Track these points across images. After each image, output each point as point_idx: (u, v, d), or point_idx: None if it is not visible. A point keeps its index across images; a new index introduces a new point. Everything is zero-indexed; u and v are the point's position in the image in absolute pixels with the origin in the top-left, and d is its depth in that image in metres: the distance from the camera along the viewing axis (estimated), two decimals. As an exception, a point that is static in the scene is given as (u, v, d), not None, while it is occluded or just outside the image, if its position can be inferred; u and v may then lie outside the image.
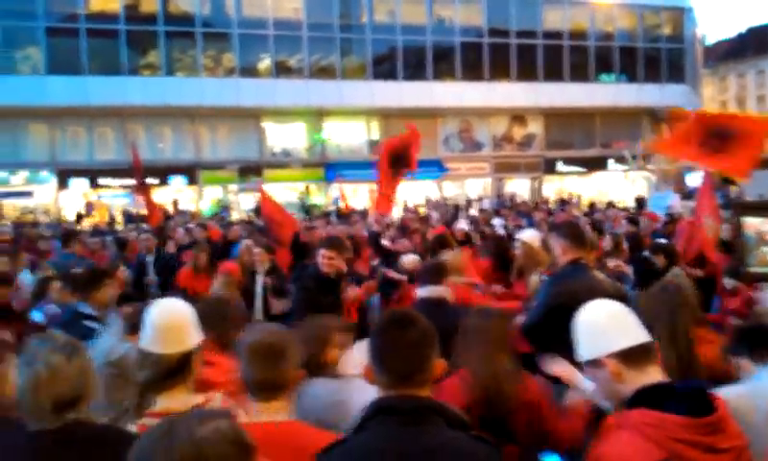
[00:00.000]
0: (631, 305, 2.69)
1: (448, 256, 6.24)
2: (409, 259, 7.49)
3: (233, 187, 30.22)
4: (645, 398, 2.09)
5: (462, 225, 10.96)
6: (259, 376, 2.45)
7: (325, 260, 5.61)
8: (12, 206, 26.73)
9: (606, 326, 2.25)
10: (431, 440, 2.03)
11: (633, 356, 2.18)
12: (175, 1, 28.39)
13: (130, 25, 27.07)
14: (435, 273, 4.66)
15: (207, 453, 1.44)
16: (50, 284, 6.28)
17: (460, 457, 2.05)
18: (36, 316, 5.48)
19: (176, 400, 2.51)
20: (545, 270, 4.94)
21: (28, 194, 27.56)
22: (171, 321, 2.57)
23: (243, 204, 28.92)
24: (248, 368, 2.46)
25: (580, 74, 33.46)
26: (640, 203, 18.39)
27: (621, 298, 4.50)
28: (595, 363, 2.25)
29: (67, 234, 9.90)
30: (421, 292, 4.59)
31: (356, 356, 3.20)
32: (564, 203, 24.90)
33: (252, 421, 2.38)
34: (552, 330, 4.48)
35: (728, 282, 6.85)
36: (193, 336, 2.61)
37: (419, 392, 2.11)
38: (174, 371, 2.52)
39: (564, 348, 4.21)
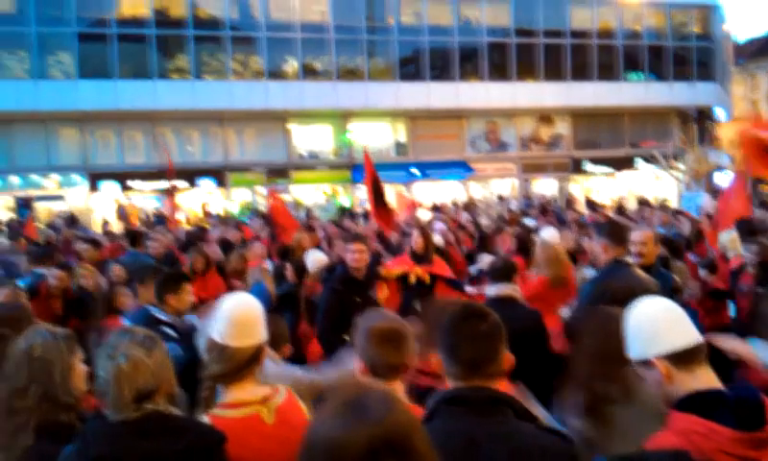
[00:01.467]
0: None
1: (542, 251, 6.35)
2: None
3: (261, 189, 30.43)
4: (696, 403, 2.06)
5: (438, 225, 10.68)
6: (388, 359, 2.52)
7: (356, 255, 5.58)
8: (46, 210, 27.17)
9: (656, 325, 2.20)
10: (501, 429, 2.05)
11: (682, 358, 2.14)
12: (203, 5, 28.67)
13: (159, 30, 27.42)
14: (504, 271, 4.59)
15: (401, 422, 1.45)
16: (118, 290, 6.21)
17: (529, 446, 2.06)
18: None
19: (246, 392, 2.57)
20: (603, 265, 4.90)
21: (60, 197, 27.99)
22: (246, 315, 2.63)
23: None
24: (375, 351, 2.53)
25: (608, 73, 33.16)
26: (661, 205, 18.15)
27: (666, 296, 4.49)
28: (646, 364, 2.21)
29: (134, 235, 10.05)
30: (490, 291, 4.56)
31: None
32: (591, 204, 24.68)
33: None
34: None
35: None
36: (263, 329, 2.68)
37: (488, 384, 2.13)
38: (247, 363, 2.58)
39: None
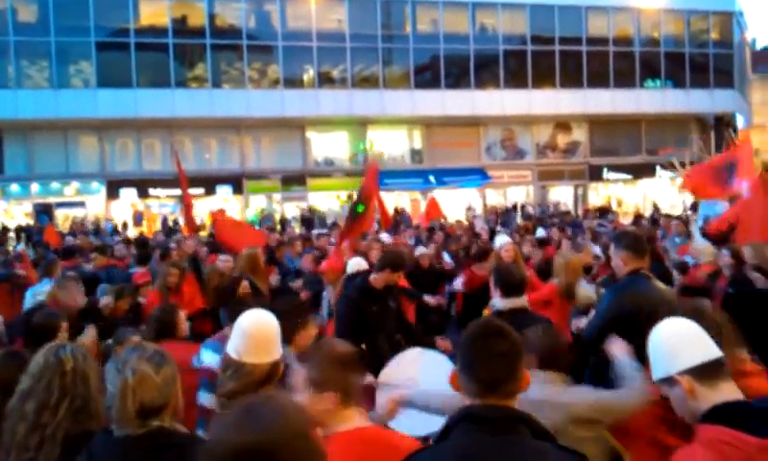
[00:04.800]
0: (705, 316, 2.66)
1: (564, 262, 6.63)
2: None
3: (277, 196, 30.56)
4: (722, 415, 2.06)
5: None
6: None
7: (401, 280, 5.67)
8: (65, 216, 27.46)
9: (676, 343, 2.23)
10: (516, 448, 2.02)
11: (705, 372, 2.16)
12: (221, 15, 28.89)
13: (177, 39, 27.65)
14: (520, 286, 4.51)
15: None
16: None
17: None
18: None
19: None
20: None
21: (80, 204, 28.28)
22: (263, 331, 2.63)
23: (287, 212, 29.28)
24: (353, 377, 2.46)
25: (625, 80, 32.93)
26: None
27: (695, 311, 4.42)
28: (669, 381, 2.24)
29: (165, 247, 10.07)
30: (501, 304, 4.45)
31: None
32: (604, 212, 24.42)
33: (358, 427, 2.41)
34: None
35: None
36: (279, 346, 2.68)
37: (505, 402, 2.10)
38: (263, 381, 2.58)
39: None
